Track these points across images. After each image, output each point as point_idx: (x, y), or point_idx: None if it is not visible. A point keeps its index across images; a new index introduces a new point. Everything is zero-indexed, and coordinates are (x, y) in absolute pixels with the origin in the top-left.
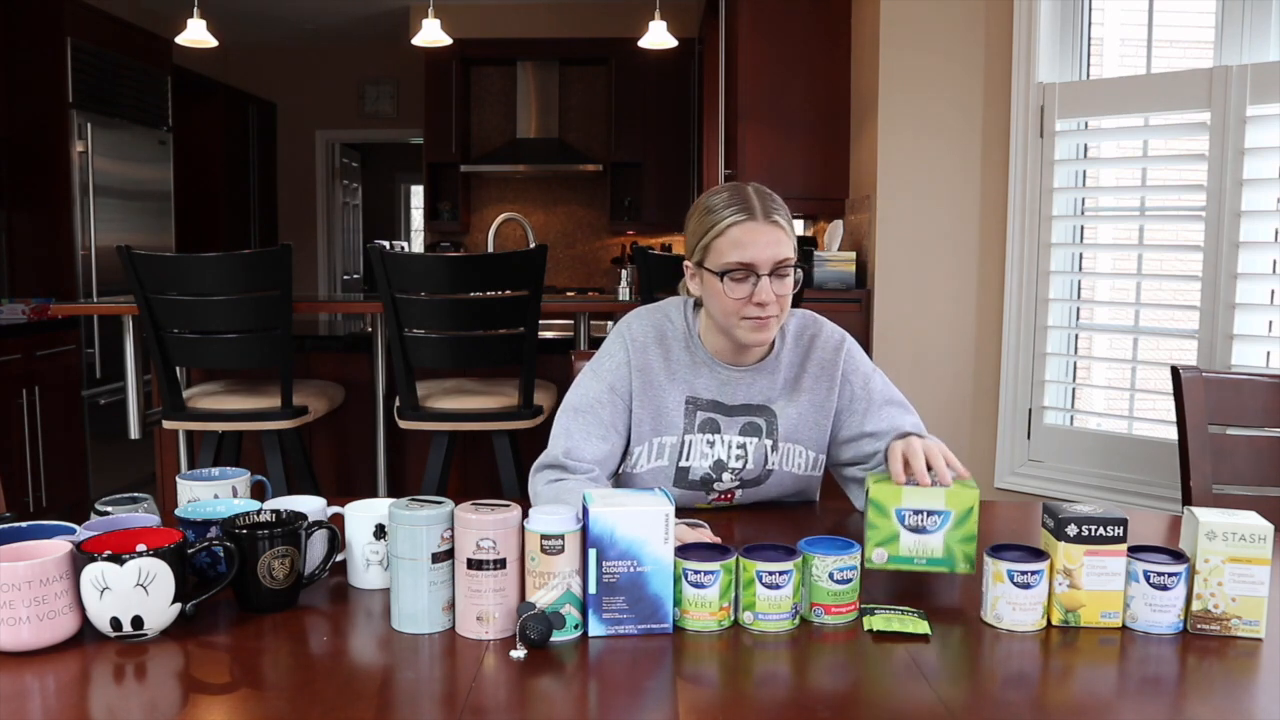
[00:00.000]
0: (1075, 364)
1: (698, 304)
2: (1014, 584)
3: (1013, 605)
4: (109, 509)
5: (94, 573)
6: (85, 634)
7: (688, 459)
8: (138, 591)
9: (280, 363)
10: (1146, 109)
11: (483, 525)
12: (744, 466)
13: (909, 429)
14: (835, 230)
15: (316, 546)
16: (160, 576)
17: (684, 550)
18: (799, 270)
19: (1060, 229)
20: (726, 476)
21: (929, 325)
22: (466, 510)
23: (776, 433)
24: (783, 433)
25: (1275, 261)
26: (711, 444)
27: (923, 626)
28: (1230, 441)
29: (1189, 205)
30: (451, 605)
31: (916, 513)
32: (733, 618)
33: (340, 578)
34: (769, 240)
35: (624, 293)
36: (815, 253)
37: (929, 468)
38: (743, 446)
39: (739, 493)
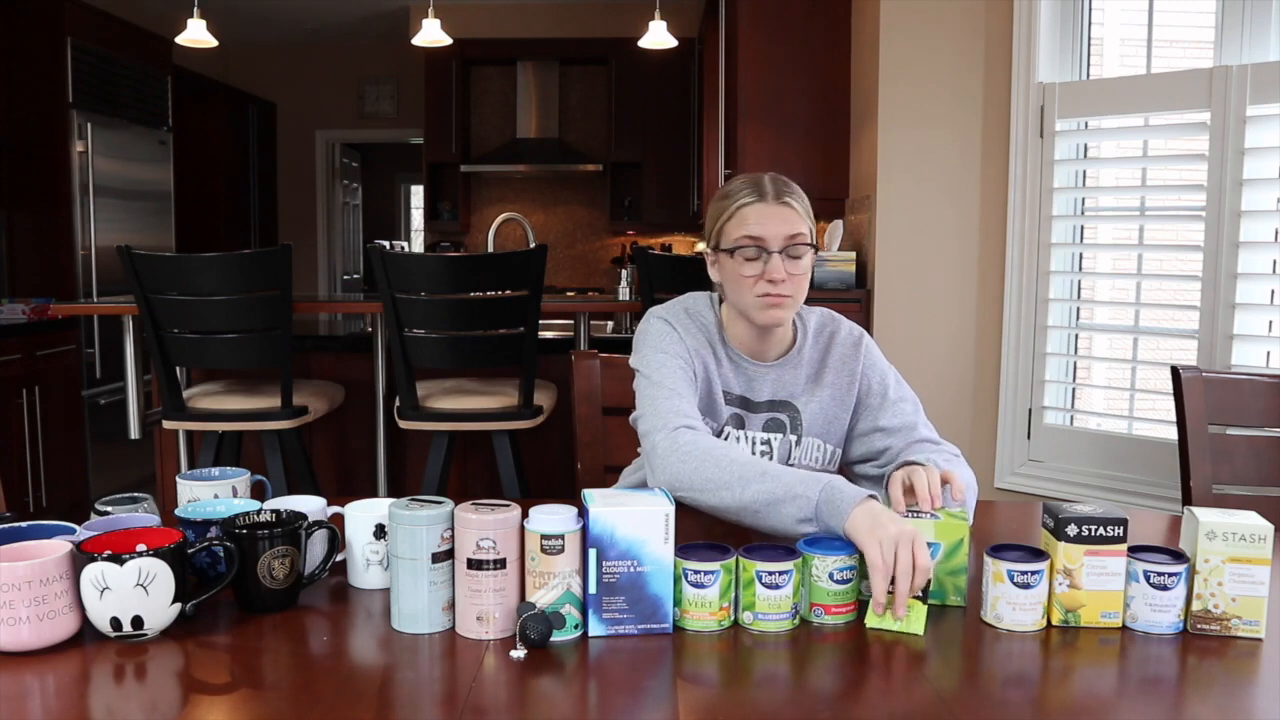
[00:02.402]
0: (1075, 364)
1: (723, 299)
2: (1014, 584)
3: (1013, 605)
4: (109, 509)
5: (94, 573)
6: (85, 634)
7: None
8: (138, 591)
9: (280, 363)
10: (1146, 109)
11: (483, 525)
12: None
13: (921, 428)
14: (835, 230)
15: (316, 546)
16: (160, 576)
17: (684, 550)
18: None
19: (1060, 229)
20: None
21: (929, 325)
22: (466, 510)
23: (800, 428)
24: (805, 427)
25: (1275, 261)
26: (738, 440)
27: (921, 615)
28: (1230, 441)
29: (1189, 205)
30: (451, 605)
31: None
32: (733, 618)
33: (340, 578)
34: (780, 218)
35: (624, 293)
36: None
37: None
38: (767, 443)
39: None
